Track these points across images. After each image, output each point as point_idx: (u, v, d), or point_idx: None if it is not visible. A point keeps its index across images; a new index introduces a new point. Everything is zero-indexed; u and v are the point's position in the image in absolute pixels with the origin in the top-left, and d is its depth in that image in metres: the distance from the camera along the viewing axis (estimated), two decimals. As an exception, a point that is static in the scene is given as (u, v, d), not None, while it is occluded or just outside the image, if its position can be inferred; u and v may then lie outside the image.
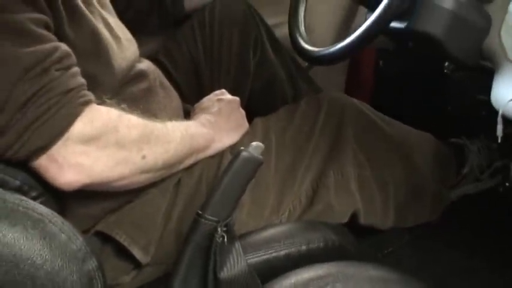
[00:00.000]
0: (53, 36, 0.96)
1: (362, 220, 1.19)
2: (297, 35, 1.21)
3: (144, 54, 1.27)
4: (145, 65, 1.20)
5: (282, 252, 1.01)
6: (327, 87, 1.55)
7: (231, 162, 0.96)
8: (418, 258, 1.27)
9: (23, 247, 0.74)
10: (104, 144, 0.96)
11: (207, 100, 1.24)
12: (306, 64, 1.53)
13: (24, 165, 0.93)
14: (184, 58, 1.43)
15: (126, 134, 0.99)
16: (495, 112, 1.02)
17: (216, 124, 1.16)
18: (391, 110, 1.37)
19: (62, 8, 0.98)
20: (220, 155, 1.15)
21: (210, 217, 0.93)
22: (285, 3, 1.28)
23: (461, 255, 1.29)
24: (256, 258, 0.99)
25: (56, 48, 0.94)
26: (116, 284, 1.02)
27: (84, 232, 1.01)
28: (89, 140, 0.95)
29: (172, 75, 1.39)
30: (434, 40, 1.05)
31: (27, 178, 0.93)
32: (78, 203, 1.02)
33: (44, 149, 0.92)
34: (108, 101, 1.01)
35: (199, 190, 1.10)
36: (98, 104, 0.98)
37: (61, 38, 0.97)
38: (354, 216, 1.18)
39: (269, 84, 1.46)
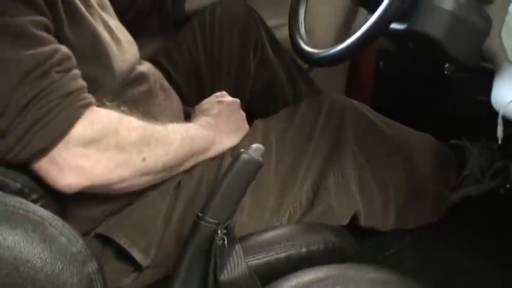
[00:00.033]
0: (53, 39, 0.96)
1: (362, 222, 1.19)
2: (297, 37, 1.22)
3: (145, 56, 1.27)
4: (146, 67, 1.20)
5: (283, 255, 1.01)
6: (327, 89, 1.55)
7: (231, 165, 0.96)
8: (419, 259, 1.26)
9: (23, 250, 0.74)
10: (105, 146, 0.96)
11: (207, 102, 1.24)
12: (307, 66, 1.53)
13: (25, 167, 0.93)
14: (184, 60, 1.43)
15: (127, 136, 0.99)
16: (495, 113, 1.02)
17: (216, 126, 1.16)
18: (391, 111, 1.37)
19: (62, 10, 0.98)
20: (220, 157, 1.15)
21: (210, 219, 0.93)
22: (285, 4, 1.28)
23: (463, 256, 1.28)
24: (256, 260, 0.99)
25: (56, 51, 0.94)
26: (117, 287, 1.03)
27: (85, 234, 1.02)
28: (89, 142, 0.95)
29: (173, 77, 1.39)
30: (435, 41, 1.05)
31: (28, 181, 0.93)
32: (78, 206, 1.02)
33: (44, 151, 0.92)
34: (108, 103, 1.01)
35: (200, 192, 1.10)
36: (98, 106, 0.98)
37: (61, 40, 0.97)
38: (354, 218, 1.18)
39: (269, 85, 1.46)
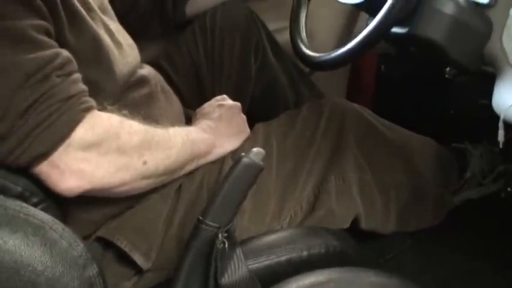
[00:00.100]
0: (53, 43, 0.96)
1: (363, 225, 1.18)
2: (298, 41, 1.21)
3: (146, 60, 1.27)
4: (147, 70, 1.20)
5: (283, 258, 1.01)
6: (328, 92, 1.55)
7: (231, 169, 0.96)
8: (420, 262, 1.26)
9: (23, 254, 0.74)
10: (105, 150, 0.97)
11: (208, 105, 1.24)
12: (308, 69, 1.53)
13: (26, 171, 0.93)
14: (185, 63, 1.43)
15: (127, 140, 0.99)
16: (497, 117, 1.02)
17: (217, 129, 1.17)
18: (392, 114, 1.37)
19: (62, 14, 0.98)
20: (221, 160, 1.15)
21: (210, 223, 0.93)
22: (286, 8, 1.28)
23: (464, 259, 1.29)
24: (257, 264, 0.99)
25: (57, 55, 0.94)
26: (117, 290, 1.03)
27: (86, 238, 1.02)
28: (90, 146, 0.95)
29: (174, 81, 1.39)
30: (436, 45, 1.05)
31: (29, 184, 0.93)
32: (79, 209, 1.02)
33: (45, 155, 0.93)
34: (109, 107, 1.01)
35: (200, 196, 1.10)
36: (99, 110, 0.98)
37: (62, 44, 0.98)
38: (355, 221, 1.18)
39: (270, 89, 1.46)
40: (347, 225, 1.16)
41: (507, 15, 1.01)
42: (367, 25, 1.06)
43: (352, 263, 1.03)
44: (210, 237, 0.93)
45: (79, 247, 0.78)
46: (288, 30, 1.25)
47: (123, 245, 1.02)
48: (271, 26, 1.50)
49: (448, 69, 1.26)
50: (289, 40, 1.25)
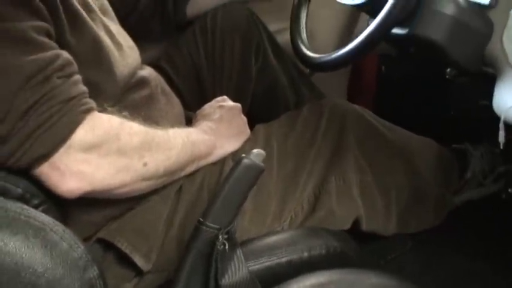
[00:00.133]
0: (54, 44, 0.96)
1: (364, 226, 1.18)
2: (299, 42, 1.21)
3: (146, 61, 1.27)
4: (147, 71, 1.20)
5: (284, 259, 1.01)
6: (329, 93, 1.55)
7: (232, 170, 0.96)
8: (421, 263, 1.26)
9: (24, 255, 0.74)
10: (106, 151, 0.97)
11: (208, 107, 1.24)
12: (308, 70, 1.53)
13: (26, 173, 0.94)
14: (186, 64, 1.43)
15: (128, 141, 0.99)
16: (497, 117, 1.02)
17: (218, 131, 1.17)
18: (393, 115, 1.37)
19: (63, 15, 0.98)
20: (222, 161, 1.15)
21: (211, 224, 0.93)
22: (286, 9, 1.28)
23: (465, 260, 1.28)
24: (258, 265, 0.99)
25: (57, 56, 0.94)
26: (118, 292, 1.03)
27: (86, 239, 1.02)
28: (90, 147, 0.95)
29: (174, 82, 1.39)
30: (436, 46, 1.05)
31: (29, 186, 0.93)
32: (80, 211, 1.02)
33: (45, 156, 0.93)
34: (109, 108, 1.01)
35: (201, 197, 1.10)
36: (100, 111, 0.98)
37: (62, 45, 0.98)
38: (356, 223, 1.18)
39: (271, 90, 1.46)
40: (348, 226, 1.16)
41: (508, 16, 1.01)
42: (367, 26, 1.06)
43: (353, 264, 1.03)
44: (210, 239, 0.93)
45: (79, 249, 0.78)
46: (289, 31, 1.25)
47: (124, 246, 1.02)
48: (272, 27, 1.50)
49: (448, 70, 1.26)
50: (289, 41, 1.25)
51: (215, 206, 0.95)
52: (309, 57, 1.18)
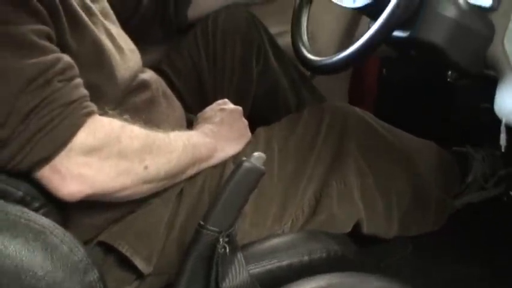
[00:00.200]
0: (55, 48, 0.96)
1: (365, 229, 1.18)
2: (300, 44, 1.21)
3: (147, 64, 1.27)
4: (148, 75, 1.20)
5: (284, 263, 1.01)
6: (330, 96, 1.55)
7: (233, 173, 0.96)
8: (421, 267, 1.26)
9: (24, 259, 0.74)
10: (106, 155, 0.97)
11: (209, 110, 1.24)
12: (309, 73, 1.53)
13: (27, 176, 0.94)
14: (187, 67, 1.43)
15: (129, 144, 0.99)
16: (499, 120, 1.01)
17: (219, 134, 1.16)
18: (394, 118, 1.37)
19: (64, 19, 0.98)
20: (222, 164, 1.15)
21: (212, 228, 0.93)
22: (288, 12, 1.28)
23: (465, 263, 1.28)
24: (258, 268, 0.99)
25: (58, 60, 0.94)
26: (119, 295, 1.03)
27: (87, 242, 1.02)
28: (91, 150, 0.95)
29: (175, 85, 1.39)
30: (437, 49, 1.05)
31: (30, 189, 0.94)
32: (81, 214, 1.02)
33: (46, 160, 0.93)
34: (110, 111, 1.02)
35: (202, 200, 1.10)
36: (101, 114, 0.99)
37: (63, 49, 0.98)
38: (357, 226, 1.17)
39: (272, 92, 1.46)
40: (348, 229, 1.16)
41: (509, 19, 1.00)
42: (368, 29, 1.05)
43: (353, 267, 1.03)
44: (211, 242, 0.93)
45: (80, 252, 0.78)
46: (290, 34, 1.25)
47: (124, 249, 1.02)
48: (273, 30, 1.50)
49: (449, 72, 1.26)
50: (290, 44, 1.24)
51: (216, 209, 0.95)
52: (310, 60, 1.18)
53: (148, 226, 1.05)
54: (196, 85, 1.42)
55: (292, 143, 1.20)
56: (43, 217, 0.81)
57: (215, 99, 1.30)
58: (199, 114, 1.25)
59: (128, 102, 1.09)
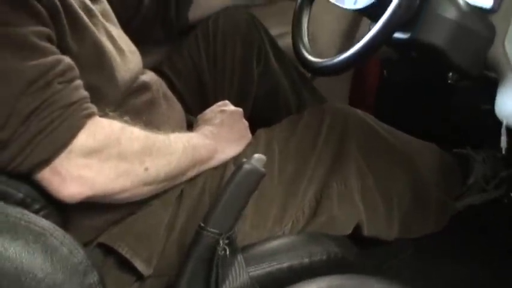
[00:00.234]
0: (55, 49, 0.96)
1: (366, 231, 1.18)
2: (300, 46, 1.21)
3: (148, 65, 1.27)
4: (149, 76, 1.20)
5: (285, 265, 1.01)
6: (330, 97, 1.55)
7: (233, 175, 0.96)
8: (422, 269, 1.26)
9: (24, 261, 0.74)
10: (106, 156, 0.97)
11: (209, 111, 1.25)
12: (310, 74, 1.53)
13: (27, 178, 0.94)
14: (187, 68, 1.43)
15: (129, 146, 1.00)
16: (500, 122, 1.01)
17: (219, 135, 1.16)
18: (395, 119, 1.37)
19: (64, 21, 0.98)
20: (223, 166, 1.15)
21: (212, 230, 0.93)
22: (288, 13, 1.28)
23: (465, 265, 1.28)
24: (258, 270, 0.99)
25: (58, 61, 0.94)
26: (119, 296, 1.03)
27: (87, 244, 1.02)
28: (91, 152, 0.95)
29: (176, 86, 1.39)
30: (438, 50, 1.05)
31: (30, 191, 0.94)
32: (81, 215, 1.02)
33: (47, 161, 0.93)
34: (110, 113, 1.02)
35: (202, 201, 1.10)
36: (101, 116, 0.99)
37: (64, 50, 0.98)
38: (357, 228, 1.17)
39: (272, 93, 1.46)
40: (349, 231, 1.16)
41: (510, 20, 1.00)
42: (369, 30, 1.05)
43: (354, 269, 1.03)
44: (211, 244, 0.93)
45: (79, 254, 0.78)
46: (290, 35, 1.25)
47: (124, 251, 1.02)
48: (274, 31, 1.50)
49: (450, 74, 1.26)
50: (291, 45, 1.24)
51: (216, 211, 0.95)
52: (311, 61, 1.18)
53: (148, 228, 1.05)
54: (196, 86, 1.42)
55: (292, 144, 1.19)
56: (43, 219, 0.81)
57: (216, 100, 1.30)
58: (199, 116, 1.25)
59: (128, 103, 1.09)
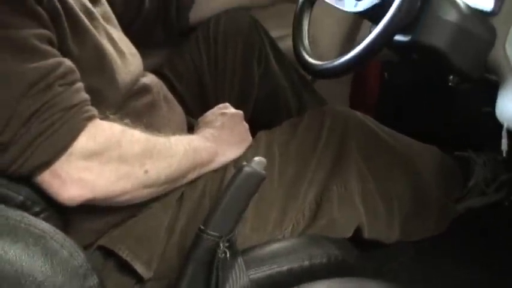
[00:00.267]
0: (56, 52, 0.96)
1: (366, 234, 1.17)
2: (301, 48, 1.21)
3: (149, 68, 1.27)
4: (149, 79, 1.20)
5: (285, 268, 1.01)
6: (331, 99, 1.55)
7: (233, 178, 0.96)
8: (422, 271, 1.26)
9: (24, 264, 0.74)
10: (107, 159, 0.97)
11: (210, 114, 1.25)
12: (310, 77, 1.53)
13: (28, 180, 0.94)
14: (188, 70, 1.43)
15: (129, 149, 1.00)
16: (500, 125, 1.01)
17: (220, 138, 1.16)
18: (395, 122, 1.37)
19: (65, 23, 0.99)
20: (223, 168, 1.14)
21: (212, 233, 0.93)
22: (289, 16, 1.28)
23: (466, 268, 1.28)
24: (258, 273, 0.99)
25: (59, 64, 0.94)
26: (119, 299, 1.02)
27: (87, 246, 1.02)
28: (91, 155, 0.95)
29: (177, 89, 1.39)
30: (439, 53, 1.04)
31: (31, 193, 0.94)
32: (81, 218, 1.02)
33: (47, 164, 0.93)
34: (111, 116, 1.02)
35: (203, 204, 1.10)
36: (102, 119, 0.99)
37: (65, 53, 0.98)
38: (358, 230, 1.17)
39: (273, 95, 1.46)
40: (349, 234, 1.15)
41: (511, 23, 1.00)
42: (370, 33, 1.05)
43: (354, 272, 1.02)
44: (211, 247, 0.93)
45: (80, 257, 0.78)
46: (291, 37, 1.25)
47: (125, 254, 1.02)
48: (274, 34, 1.50)
49: (451, 77, 1.25)
50: (291, 47, 1.24)
51: (216, 214, 0.95)
52: (311, 64, 1.18)
53: (148, 230, 1.05)
54: (197, 89, 1.42)
55: (293, 147, 1.19)
56: (43, 222, 0.82)
57: (216, 102, 1.30)
58: (200, 119, 1.25)
59: (128, 106, 1.10)
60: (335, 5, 1.16)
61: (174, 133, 1.11)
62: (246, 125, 1.23)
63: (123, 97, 1.08)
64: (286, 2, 1.47)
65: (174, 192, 1.09)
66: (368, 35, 1.05)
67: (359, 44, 1.06)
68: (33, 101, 0.91)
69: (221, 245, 0.93)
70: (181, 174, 1.08)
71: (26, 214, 0.81)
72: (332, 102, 1.52)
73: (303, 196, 1.14)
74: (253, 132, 1.24)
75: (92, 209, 1.00)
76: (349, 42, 1.62)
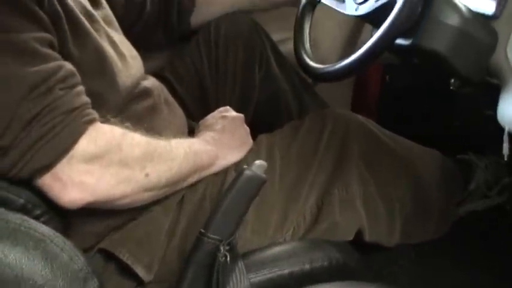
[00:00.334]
0: (57, 55, 0.96)
1: (367, 237, 1.17)
2: (302, 52, 1.21)
3: (150, 71, 1.27)
4: (150, 82, 1.20)
5: (286, 271, 1.01)
6: (332, 102, 1.55)
7: (234, 181, 0.96)
8: (422, 274, 1.26)
9: (24, 267, 0.74)
10: (108, 162, 0.97)
11: (211, 117, 1.24)
12: (311, 80, 1.53)
13: (28, 183, 0.94)
14: (189, 74, 1.43)
15: (130, 152, 1.00)
16: (502, 128, 1.01)
17: (220, 141, 1.16)
18: (397, 125, 1.37)
19: (66, 26, 0.99)
20: (224, 172, 1.14)
21: (212, 236, 0.93)
22: (290, 19, 1.28)
23: (466, 271, 1.28)
24: (259, 277, 0.99)
25: (60, 67, 0.94)
26: (119, 302, 1.02)
27: (88, 250, 1.02)
28: (92, 158, 0.95)
29: (178, 92, 1.39)
30: (440, 57, 1.04)
31: (31, 196, 0.94)
32: (82, 221, 1.02)
33: (48, 167, 0.93)
34: (112, 119, 1.02)
35: (203, 207, 1.10)
36: (102, 122, 0.99)
37: (65, 56, 0.98)
38: (359, 234, 1.17)
39: (274, 98, 1.46)
40: (350, 237, 1.15)
41: (512, 27, 1.00)
42: (371, 36, 1.05)
43: (355, 275, 1.02)
44: (212, 250, 0.93)
45: (80, 261, 0.78)
46: (292, 40, 1.25)
47: (125, 257, 1.02)
48: (275, 37, 1.49)
49: (452, 80, 1.25)
50: (292, 50, 1.24)
51: (217, 217, 0.95)
52: (312, 67, 1.18)
53: (149, 233, 1.05)
54: (198, 92, 1.42)
55: (294, 150, 1.19)
56: (43, 225, 0.81)
57: (217, 106, 1.30)
58: (201, 122, 1.25)
59: (129, 109, 1.10)
60: (336, 9, 1.16)
61: (174, 136, 1.11)
62: (247, 128, 1.23)
63: (123, 100, 1.08)
64: (287, 5, 1.47)
65: (174, 196, 1.09)
66: (369, 38, 1.05)
67: (360, 47, 1.06)
68: (34, 105, 0.91)
69: (222, 248, 0.93)
70: (182, 177, 1.08)
71: (26, 217, 0.81)
72: (333, 105, 1.52)
73: (304, 199, 1.14)
74: (254, 135, 1.24)
75: (92, 212, 1.00)
76: (351, 45, 1.62)
